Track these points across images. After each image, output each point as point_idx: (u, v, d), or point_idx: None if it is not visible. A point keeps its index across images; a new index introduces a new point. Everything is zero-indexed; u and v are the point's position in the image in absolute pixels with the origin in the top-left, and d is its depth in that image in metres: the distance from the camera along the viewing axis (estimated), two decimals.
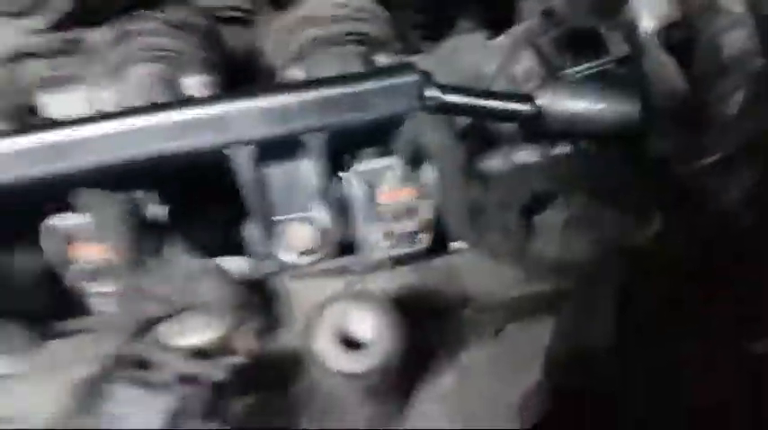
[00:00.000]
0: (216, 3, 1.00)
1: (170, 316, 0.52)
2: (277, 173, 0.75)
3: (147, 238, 0.61)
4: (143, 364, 0.40)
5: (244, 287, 0.50)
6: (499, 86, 1.05)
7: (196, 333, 0.49)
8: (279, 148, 0.73)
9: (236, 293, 0.48)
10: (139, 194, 0.71)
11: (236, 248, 0.78)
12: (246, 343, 0.48)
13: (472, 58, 1.09)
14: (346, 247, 0.76)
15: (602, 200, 0.56)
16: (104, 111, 0.72)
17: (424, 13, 1.35)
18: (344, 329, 0.44)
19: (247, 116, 0.69)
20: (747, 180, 0.55)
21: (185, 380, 0.39)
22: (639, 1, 0.56)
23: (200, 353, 0.43)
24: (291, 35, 0.94)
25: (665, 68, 0.55)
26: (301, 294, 0.57)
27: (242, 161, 0.70)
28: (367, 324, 0.43)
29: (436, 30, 1.39)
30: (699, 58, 0.54)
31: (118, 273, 0.54)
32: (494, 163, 0.75)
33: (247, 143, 0.70)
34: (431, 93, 0.77)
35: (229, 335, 0.47)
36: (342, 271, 0.59)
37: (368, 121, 0.73)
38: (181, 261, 0.50)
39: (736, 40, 0.51)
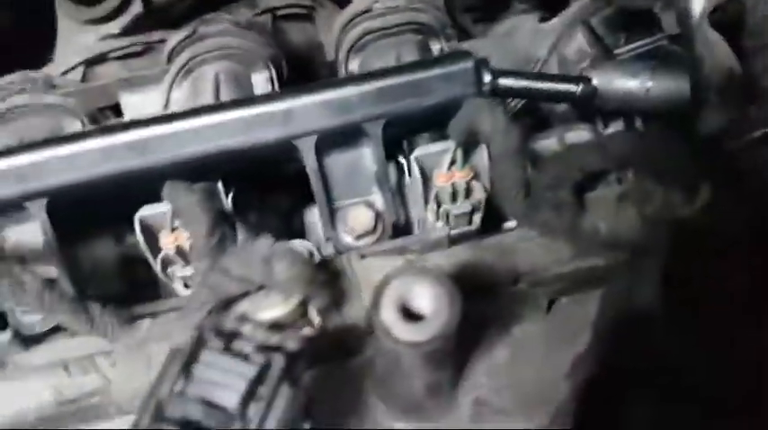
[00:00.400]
0: (278, 2, 1.06)
1: (248, 294, 0.56)
2: (338, 160, 0.79)
3: (221, 225, 0.66)
4: (227, 335, 0.44)
5: (313, 266, 0.54)
6: (552, 67, 1.06)
7: (271, 308, 0.54)
8: (340, 136, 0.77)
9: (306, 271, 0.52)
10: (213, 185, 0.77)
11: (299, 235, 0.83)
12: (316, 316, 0.52)
13: (525, 40, 1.10)
14: (404, 229, 0.80)
15: (653, 177, 0.57)
16: (180, 111, 0.78)
17: None
18: (406, 302, 0.47)
19: (311, 109, 0.74)
20: None
21: (264, 349, 0.43)
22: None
23: (276, 326, 0.47)
24: (350, 28, 0.98)
25: (715, 47, 0.55)
26: (365, 272, 0.61)
27: (307, 151, 0.74)
28: (426, 297, 0.46)
29: (490, 11, 1.39)
30: (748, 35, 0.54)
31: (201, 256, 0.59)
32: (547, 143, 0.76)
33: (312, 134, 0.74)
34: (486, 78, 0.79)
35: (300, 310, 0.51)
36: (401, 250, 0.62)
37: (425, 108, 0.76)
38: (257, 244, 0.55)
39: None
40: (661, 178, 0.57)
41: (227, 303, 0.56)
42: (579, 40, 1.04)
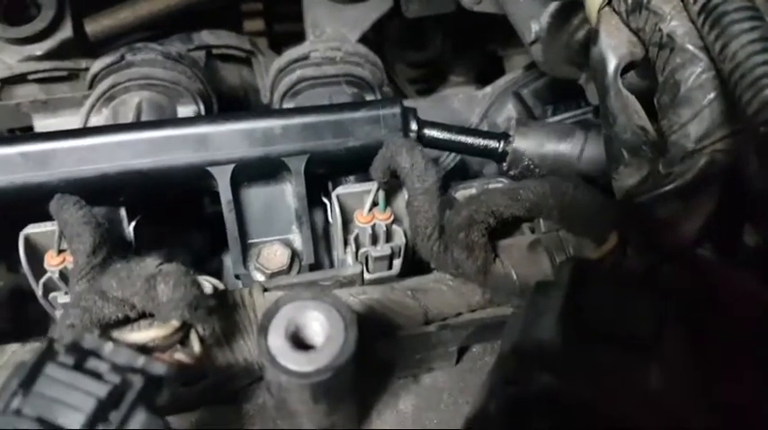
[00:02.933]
0: (217, 41, 1.04)
1: (127, 318, 0.49)
2: (257, 195, 0.74)
3: (107, 246, 0.59)
4: (83, 352, 0.38)
5: (200, 291, 0.48)
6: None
7: (143, 329, 0.47)
8: (261, 170, 0.73)
9: (190, 296, 0.46)
10: (115, 210, 0.70)
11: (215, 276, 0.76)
12: (197, 344, 0.46)
13: (458, 106, 1.12)
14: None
15: (564, 225, 0.55)
16: (85, 127, 0.72)
17: (418, 68, 1.40)
18: (298, 330, 0.41)
19: (230, 137, 0.69)
20: (707, 208, 0.54)
21: (122, 369, 0.36)
22: (602, 43, 0.57)
23: (144, 349, 0.40)
24: (285, 74, 0.96)
25: (627, 105, 0.56)
26: (266, 305, 0.55)
27: (222, 180, 0.69)
28: (320, 324, 0.41)
29: (430, 83, 1.43)
30: (659, 93, 0.55)
31: (79, 276, 0.52)
32: (467, 193, 0.74)
33: (228, 163, 0.69)
34: (413, 126, 0.78)
35: (178, 335, 0.44)
36: (310, 285, 0.57)
37: (350, 148, 0.73)
38: (142, 264, 0.48)
39: (690, 75, 0.52)
40: (572, 228, 0.56)
41: (103, 327, 0.49)
42: (509, 109, 1.07)
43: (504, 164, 0.76)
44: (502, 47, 1.21)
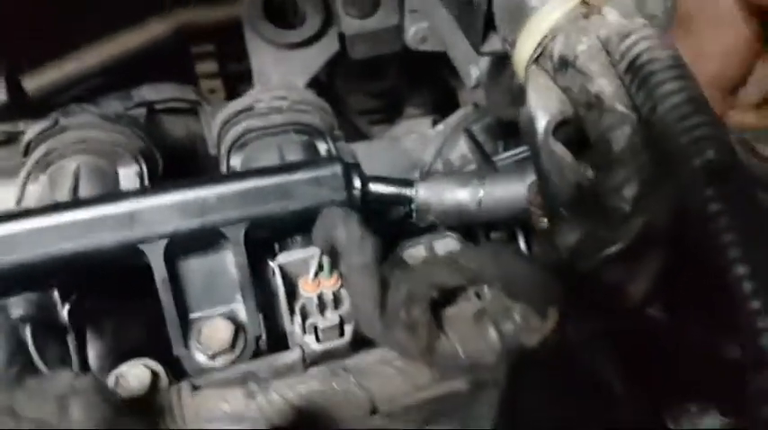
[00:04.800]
0: (159, 96, 1.00)
1: None
2: (196, 266, 0.70)
3: (23, 355, 0.55)
4: None
5: (117, 406, 0.44)
6: (436, 172, 1.05)
7: None
8: (198, 240, 0.69)
9: (107, 413, 0.42)
10: (45, 295, 0.66)
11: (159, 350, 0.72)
12: None
13: (412, 145, 1.09)
14: (274, 343, 0.71)
15: (507, 293, 0.53)
16: (5, 213, 0.68)
17: (374, 98, 1.37)
18: None
19: (160, 211, 0.65)
20: (653, 269, 0.52)
21: None
22: (531, 102, 0.55)
23: None
24: (231, 126, 0.93)
25: (561, 164, 0.53)
26: (197, 409, 0.51)
27: (154, 257, 0.65)
28: None
29: (385, 114, 1.41)
30: (591, 154, 0.53)
31: None
32: (414, 251, 0.72)
33: (161, 237, 0.66)
34: (356, 183, 0.75)
35: None
36: (245, 378, 0.53)
37: (292, 212, 0.70)
38: (56, 377, 0.44)
39: (621, 136, 0.49)
40: (514, 297, 0.53)
41: None
42: (462, 147, 1.04)
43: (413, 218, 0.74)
44: (454, 78, 1.19)
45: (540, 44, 0.54)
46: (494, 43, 0.63)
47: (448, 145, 1.03)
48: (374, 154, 1.02)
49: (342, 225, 0.57)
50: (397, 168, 1.02)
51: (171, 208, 0.66)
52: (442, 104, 1.29)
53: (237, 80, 1.27)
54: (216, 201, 0.67)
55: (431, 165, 1.02)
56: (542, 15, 0.53)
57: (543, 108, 0.55)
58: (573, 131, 0.53)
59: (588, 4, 0.53)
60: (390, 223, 0.86)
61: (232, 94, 1.26)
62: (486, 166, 0.94)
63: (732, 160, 0.45)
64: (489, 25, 0.62)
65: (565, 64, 0.53)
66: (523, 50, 0.55)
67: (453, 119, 1.03)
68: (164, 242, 0.66)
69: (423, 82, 1.27)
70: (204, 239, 0.68)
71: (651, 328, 0.55)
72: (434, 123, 1.25)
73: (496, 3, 0.59)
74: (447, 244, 0.72)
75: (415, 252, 0.71)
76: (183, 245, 0.68)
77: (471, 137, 0.98)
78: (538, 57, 0.55)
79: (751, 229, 0.42)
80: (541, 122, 0.54)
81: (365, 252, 0.56)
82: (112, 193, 0.68)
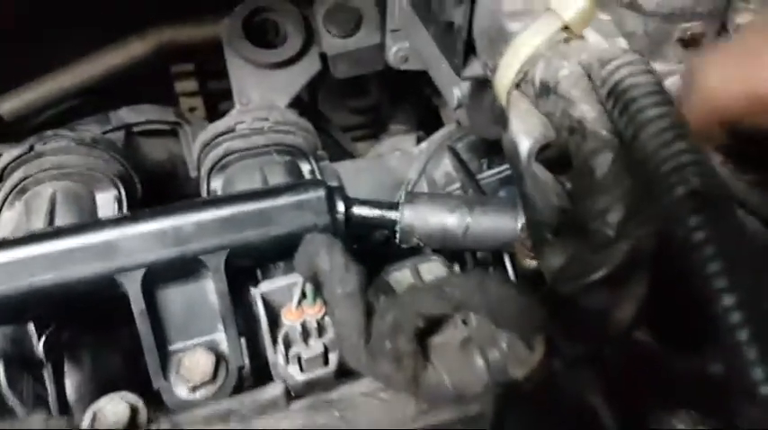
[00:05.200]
0: (137, 118, 0.98)
1: None
2: (176, 295, 0.68)
3: (21, 381, 0.53)
4: None
5: None
6: (422, 190, 1.04)
7: None
8: (177, 269, 0.68)
9: None
10: (19, 330, 0.64)
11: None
12: None
13: (396, 163, 1.08)
14: (258, 373, 0.69)
15: (493, 320, 0.52)
16: None
17: (357, 116, 1.37)
18: None
19: (137, 241, 0.63)
20: (638, 294, 0.51)
21: None
22: (513, 128, 0.54)
23: None
24: (211, 148, 0.92)
25: (545, 188, 0.52)
26: None
27: (132, 288, 0.63)
28: None
29: (369, 130, 1.40)
30: (573, 178, 0.52)
31: None
32: (400, 275, 0.71)
33: (138, 268, 0.64)
34: (340, 207, 0.73)
35: None
36: (228, 414, 0.52)
37: (273, 237, 0.69)
38: (29, 421, 0.42)
39: (604, 161, 0.49)
40: (499, 324, 0.53)
41: None
42: (446, 164, 1.04)
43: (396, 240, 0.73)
44: (438, 95, 1.18)
45: (520, 70, 0.53)
46: (475, 68, 0.63)
47: (432, 163, 1.02)
48: (358, 173, 1.01)
49: (324, 253, 0.56)
50: (381, 187, 1.02)
51: (148, 237, 0.64)
52: (427, 121, 1.29)
53: (218, 98, 1.25)
54: (194, 230, 0.65)
55: (415, 184, 1.02)
56: (523, 41, 0.53)
57: (525, 132, 0.54)
58: (556, 155, 0.53)
59: (569, 29, 0.53)
60: (376, 244, 0.85)
61: (213, 112, 1.24)
62: (472, 186, 0.94)
63: (716, 187, 0.44)
64: (470, 50, 0.61)
65: (546, 89, 0.52)
66: (504, 76, 0.54)
67: (437, 136, 1.02)
68: (141, 272, 0.64)
69: (407, 98, 1.27)
70: (183, 268, 0.67)
71: (639, 353, 0.55)
72: (419, 140, 1.24)
73: (477, 28, 0.59)
74: (433, 267, 0.71)
75: (400, 275, 0.70)
76: (162, 274, 0.66)
77: (455, 155, 0.97)
78: (519, 82, 0.54)
79: (736, 258, 0.42)
80: (524, 146, 0.53)
81: (348, 281, 0.54)
82: (87, 223, 0.66)
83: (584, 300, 0.51)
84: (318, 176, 0.91)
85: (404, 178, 1.02)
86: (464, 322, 0.59)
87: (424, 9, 0.70)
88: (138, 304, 0.64)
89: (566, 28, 0.52)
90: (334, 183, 0.92)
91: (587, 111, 0.50)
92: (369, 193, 0.98)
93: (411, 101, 1.28)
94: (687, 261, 0.44)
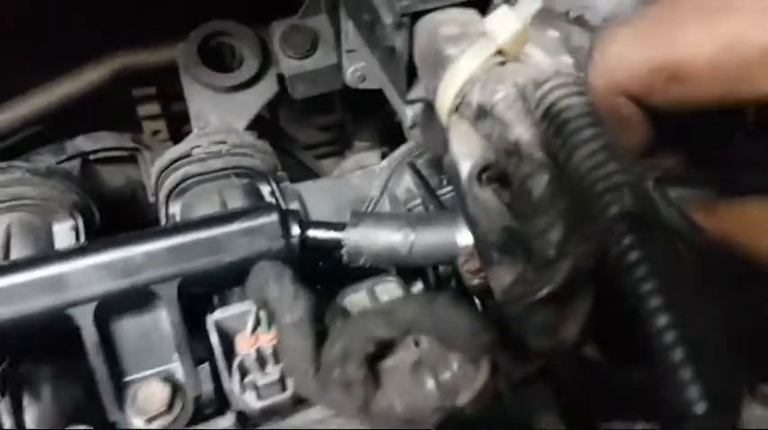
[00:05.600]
0: (94, 146, 0.97)
1: None
2: (129, 326, 0.67)
3: None
4: None
5: None
6: (384, 207, 1.04)
7: None
8: (130, 301, 0.67)
9: None
10: None
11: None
12: None
13: (358, 181, 1.08)
14: (218, 402, 0.69)
15: (442, 342, 0.52)
16: None
17: (320, 133, 1.37)
18: None
19: (87, 273, 0.62)
20: (583, 311, 0.52)
21: None
22: (453, 150, 0.55)
23: None
24: (169, 173, 0.91)
25: (487, 208, 0.53)
26: None
27: (84, 321, 0.63)
28: None
29: (333, 147, 1.40)
30: (513, 200, 0.53)
31: None
32: (356, 297, 0.70)
33: (89, 301, 0.63)
34: (295, 230, 0.73)
35: None
36: None
37: (226, 265, 0.68)
38: None
39: (540, 183, 0.50)
40: (448, 346, 0.53)
41: None
42: (407, 181, 1.04)
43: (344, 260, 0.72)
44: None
45: (459, 93, 0.54)
46: (418, 91, 0.63)
47: (393, 180, 1.02)
48: (320, 193, 1.01)
49: (273, 282, 0.56)
50: (344, 206, 1.01)
51: (98, 269, 0.63)
52: (391, 136, 1.29)
53: (182, 120, 1.24)
54: (145, 259, 0.65)
55: (377, 201, 1.02)
56: (459, 65, 0.53)
57: (465, 155, 0.55)
58: (497, 176, 0.53)
59: (504, 52, 0.53)
60: (335, 265, 0.84)
61: (177, 134, 1.23)
62: (432, 202, 0.94)
63: (648, 207, 0.45)
64: (412, 73, 0.62)
65: (483, 112, 0.53)
66: (444, 99, 0.55)
67: (398, 153, 1.03)
68: (92, 305, 0.63)
69: (371, 115, 1.27)
70: (136, 299, 0.66)
71: (586, 370, 0.55)
72: (383, 155, 1.25)
73: (417, 52, 0.60)
74: (389, 288, 0.71)
75: (357, 298, 0.70)
76: (115, 306, 0.66)
77: (416, 171, 0.98)
78: (458, 105, 0.55)
79: (670, 278, 0.42)
80: (464, 168, 0.54)
81: (297, 309, 0.54)
82: (37, 257, 0.65)
83: (529, 320, 0.52)
84: (279, 197, 0.91)
85: (366, 196, 1.02)
86: (416, 344, 0.59)
87: (367, 34, 0.70)
88: (90, 337, 0.63)
89: (500, 52, 0.53)
90: (293, 205, 0.92)
91: (522, 133, 0.51)
92: (332, 213, 0.99)
93: (375, 117, 1.29)
94: (622, 281, 0.44)
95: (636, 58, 0.48)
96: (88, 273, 0.63)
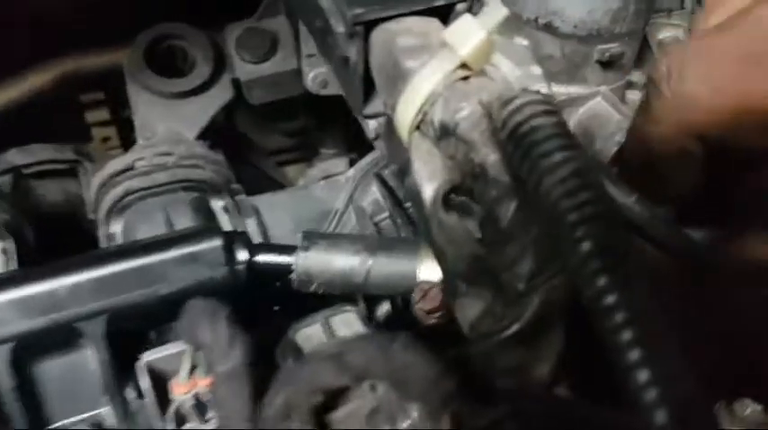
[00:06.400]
0: (28, 159, 0.90)
1: None
2: (52, 368, 0.60)
3: None
4: None
5: None
6: (350, 219, 0.98)
7: None
8: (52, 340, 0.60)
9: None
10: None
11: None
12: None
13: (321, 192, 1.02)
14: None
15: (398, 391, 0.46)
16: None
17: (283, 139, 1.30)
18: None
19: (2, 310, 0.56)
20: (555, 348, 0.47)
21: None
22: (416, 172, 0.49)
23: None
24: (109, 188, 0.84)
25: (453, 235, 0.47)
26: None
27: None
28: None
29: (299, 153, 1.33)
30: (481, 226, 0.47)
31: None
32: (311, 331, 0.64)
33: (3, 342, 0.56)
34: (242, 256, 0.67)
35: None
36: None
37: (162, 297, 0.62)
38: None
39: (507, 210, 0.44)
40: (405, 395, 0.47)
41: None
42: (373, 192, 0.98)
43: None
44: None
45: (420, 110, 0.48)
46: (376, 105, 0.57)
47: (360, 191, 0.96)
48: (279, 207, 0.94)
49: (206, 324, 0.49)
50: (307, 220, 0.95)
51: (12, 306, 0.56)
52: (359, 143, 1.23)
53: (132, 126, 1.16)
54: (68, 294, 0.57)
55: (342, 214, 0.96)
56: (420, 79, 0.47)
57: (429, 177, 0.49)
58: (464, 200, 0.48)
59: (468, 64, 0.47)
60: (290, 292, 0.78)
61: (128, 141, 1.15)
62: (399, 215, 0.89)
63: (623, 242, 0.40)
64: (369, 86, 0.56)
65: (446, 131, 0.47)
66: (404, 116, 0.49)
67: (364, 163, 0.97)
68: (8, 346, 0.56)
69: (335, 121, 1.20)
70: (59, 337, 0.59)
71: (559, 410, 0.50)
72: (352, 163, 1.18)
73: (373, 64, 0.53)
74: (347, 319, 0.65)
75: (310, 331, 0.63)
76: (35, 346, 0.58)
77: (383, 182, 0.92)
78: (419, 123, 0.49)
79: (648, 327, 0.37)
80: (428, 191, 0.48)
81: (233, 356, 0.48)
82: None
83: (498, 358, 0.47)
84: (232, 212, 0.84)
85: (330, 209, 0.95)
86: (372, 388, 0.53)
87: (320, 41, 0.64)
88: (5, 382, 0.56)
89: (464, 66, 0.47)
90: (249, 221, 0.86)
91: (488, 155, 0.45)
92: (293, 228, 0.92)
93: (341, 123, 1.22)
94: (597, 324, 0.39)
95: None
96: (3, 311, 0.56)
